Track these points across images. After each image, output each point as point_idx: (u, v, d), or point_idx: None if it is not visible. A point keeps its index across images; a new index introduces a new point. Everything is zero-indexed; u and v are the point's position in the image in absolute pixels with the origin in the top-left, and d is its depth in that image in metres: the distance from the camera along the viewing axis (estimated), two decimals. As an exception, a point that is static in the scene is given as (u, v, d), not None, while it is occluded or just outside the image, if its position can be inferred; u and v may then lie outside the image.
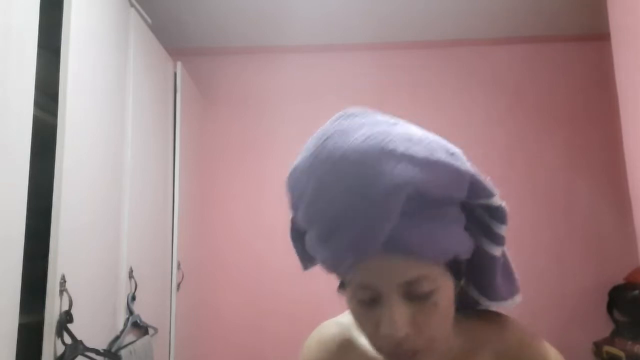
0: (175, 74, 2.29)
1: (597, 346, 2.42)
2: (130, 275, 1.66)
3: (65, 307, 1.23)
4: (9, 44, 1.10)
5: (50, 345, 1.19)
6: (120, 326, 1.58)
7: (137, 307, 1.68)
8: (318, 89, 2.81)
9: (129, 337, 1.61)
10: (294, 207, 0.60)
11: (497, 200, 0.60)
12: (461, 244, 0.57)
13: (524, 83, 2.79)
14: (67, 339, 1.23)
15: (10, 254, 1.06)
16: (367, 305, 0.56)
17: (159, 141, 2.06)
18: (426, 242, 0.53)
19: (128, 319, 1.61)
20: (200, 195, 2.59)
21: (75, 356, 1.25)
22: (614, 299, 2.48)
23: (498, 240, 0.62)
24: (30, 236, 1.12)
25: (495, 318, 0.67)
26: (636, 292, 2.31)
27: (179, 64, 2.30)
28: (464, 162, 0.57)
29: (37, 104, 1.20)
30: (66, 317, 1.22)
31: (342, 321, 0.72)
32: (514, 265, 0.68)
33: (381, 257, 0.53)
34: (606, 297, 2.51)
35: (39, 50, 1.19)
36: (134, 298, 1.65)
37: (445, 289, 0.56)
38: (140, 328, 1.71)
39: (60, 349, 1.21)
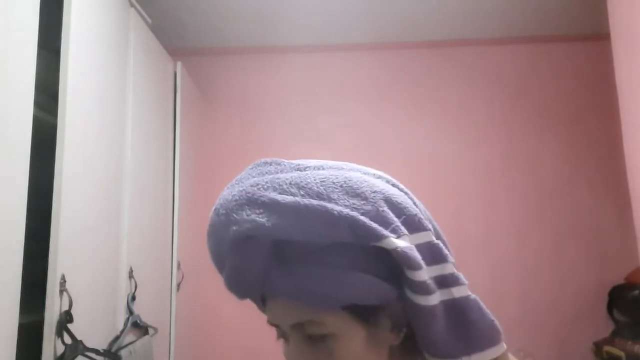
0: (175, 74, 2.29)
1: (597, 346, 2.42)
2: (130, 275, 1.66)
3: (65, 307, 1.23)
4: (9, 44, 1.10)
5: (50, 345, 1.19)
6: (120, 326, 1.58)
7: (137, 307, 1.68)
8: (318, 89, 2.81)
9: (129, 337, 1.61)
10: None
11: (390, 244, 0.52)
12: (359, 290, 0.53)
13: (524, 83, 2.79)
14: (67, 339, 1.23)
15: (10, 254, 1.06)
16: (284, 342, 0.60)
17: (159, 141, 2.06)
18: (302, 288, 0.53)
19: (128, 319, 1.61)
20: (200, 195, 2.59)
21: (75, 356, 1.25)
22: (614, 299, 2.48)
23: (416, 287, 0.54)
24: (30, 236, 1.12)
25: None
26: (636, 292, 2.31)
27: (179, 64, 2.30)
28: (356, 204, 0.53)
29: (37, 104, 1.20)
30: (66, 317, 1.22)
31: None
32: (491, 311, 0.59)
33: (276, 300, 0.57)
34: (606, 297, 2.51)
35: (39, 50, 1.19)
36: (134, 298, 1.65)
37: (346, 337, 0.55)
38: (140, 328, 1.71)
39: (60, 349, 1.21)
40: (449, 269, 0.56)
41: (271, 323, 0.60)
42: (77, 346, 1.25)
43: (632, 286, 2.36)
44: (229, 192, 0.57)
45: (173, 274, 2.09)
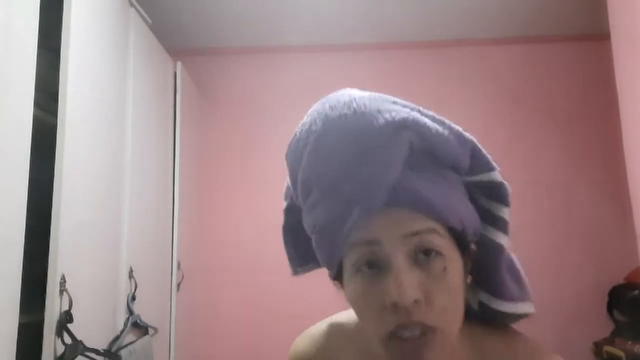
0: (175, 74, 2.29)
1: (597, 346, 2.42)
2: (130, 275, 1.66)
3: (65, 307, 1.23)
4: (9, 44, 1.10)
5: (50, 345, 1.19)
6: (120, 326, 1.58)
7: (137, 307, 1.68)
8: (318, 89, 2.78)
9: (129, 337, 1.61)
10: (293, 174, 0.57)
11: (498, 177, 0.58)
12: (469, 213, 0.54)
13: (524, 83, 2.79)
14: (67, 339, 1.23)
15: (10, 254, 1.06)
16: (369, 280, 0.51)
17: (159, 141, 2.06)
18: (434, 195, 0.50)
19: (128, 319, 1.61)
20: (200, 195, 2.59)
21: (75, 356, 1.25)
22: (614, 299, 2.48)
23: (500, 224, 0.57)
24: (30, 236, 1.12)
25: (506, 331, 0.62)
26: (636, 292, 2.31)
27: (179, 64, 2.30)
28: None
29: (37, 104, 1.20)
30: (66, 317, 1.22)
31: (335, 320, 0.68)
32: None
33: (386, 210, 0.49)
34: (606, 297, 2.51)
35: (39, 50, 1.19)
36: (134, 298, 1.65)
37: (455, 260, 0.52)
38: (140, 328, 1.71)
39: (60, 349, 1.21)
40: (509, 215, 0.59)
41: (367, 241, 0.50)
42: (77, 346, 1.25)
43: (632, 286, 2.36)
44: (340, 100, 0.53)
45: (173, 274, 2.09)
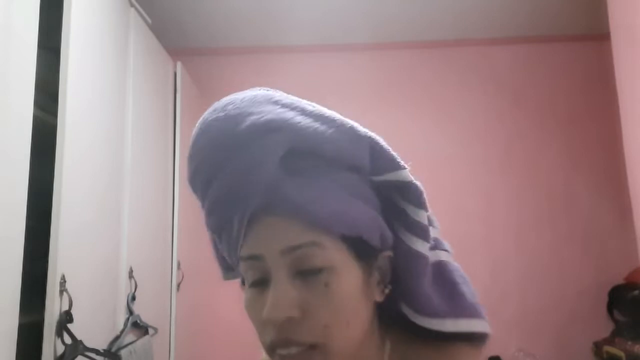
0: (175, 74, 2.29)
1: (597, 346, 2.42)
2: (130, 275, 1.66)
3: (65, 307, 1.23)
4: (9, 44, 1.10)
5: (50, 345, 1.19)
6: (120, 326, 1.58)
7: (137, 307, 1.67)
8: (318, 89, 2.81)
9: (129, 337, 1.61)
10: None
11: (406, 176, 0.51)
12: (365, 222, 0.48)
13: (524, 83, 2.79)
14: (67, 339, 1.23)
15: (10, 254, 1.06)
16: (255, 294, 0.49)
17: (159, 141, 2.06)
18: (315, 202, 0.46)
19: (128, 319, 1.61)
20: (200, 195, 2.58)
21: (75, 356, 1.25)
22: (614, 299, 2.48)
23: (417, 229, 0.51)
24: (30, 236, 1.12)
25: (445, 343, 0.53)
26: (636, 292, 2.31)
27: (179, 64, 2.30)
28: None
29: (37, 104, 1.20)
30: (66, 317, 1.22)
31: None
32: (473, 281, 0.57)
33: (266, 221, 0.47)
34: (606, 297, 2.51)
35: (39, 50, 1.19)
36: (134, 298, 1.65)
37: (344, 273, 0.47)
38: (140, 328, 1.71)
39: (60, 349, 1.21)
40: (435, 232, 0.56)
41: (249, 256, 0.48)
42: (77, 346, 1.25)
43: (632, 286, 2.36)
44: (229, 98, 0.50)
45: (173, 274, 2.09)
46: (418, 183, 0.52)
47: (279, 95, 0.51)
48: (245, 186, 0.46)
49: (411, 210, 0.51)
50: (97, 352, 1.33)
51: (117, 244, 1.61)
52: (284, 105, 0.49)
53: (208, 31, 2.65)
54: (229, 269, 0.59)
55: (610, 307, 2.51)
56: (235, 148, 0.46)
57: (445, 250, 0.57)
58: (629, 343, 2.22)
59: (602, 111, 2.63)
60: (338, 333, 0.47)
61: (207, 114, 0.50)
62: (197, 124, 0.50)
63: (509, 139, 2.73)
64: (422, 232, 0.51)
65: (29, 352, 1.18)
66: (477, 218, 2.65)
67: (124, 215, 1.66)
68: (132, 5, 1.82)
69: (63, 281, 1.22)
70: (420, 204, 0.51)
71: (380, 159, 0.50)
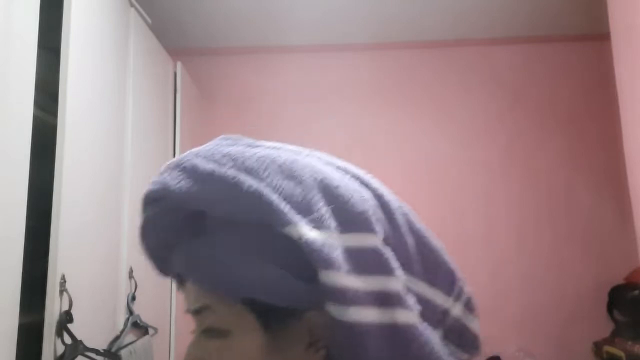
0: (175, 74, 2.29)
1: (597, 346, 2.42)
2: (130, 275, 1.66)
3: (65, 307, 1.23)
4: (9, 44, 1.10)
5: (50, 345, 1.19)
6: (120, 326, 1.58)
7: (137, 307, 1.67)
8: (318, 89, 2.81)
9: (129, 337, 1.61)
10: None
11: (295, 232, 0.44)
12: (262, 283, 0.45)
13: (524, 83, 2.79)
14: (67, 339, 1.23)
15: (10, 254, 1.06)
16: None
17: (159, 141, 2.06)
18: (200, 267, 0.48)
19: (128, 319, 1.61)
20: (200, 195, 2.58)
21: (75, 356, 1.25)
22: (614, 299, 2.48)
23: (332, 294, 0.43)
24: (30, 236, 1.12)
25: None
26: (636, 292, 2.31)
27: (179, 64, 2.30)
28: (285, 185, 0.46)
29: (37, 104, 1.20)
30: (66, 317, 1.22)
31: None
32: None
33: (187, 281, 0.53)
34: (606, 297, 2.51)
35: (39, 50, 1.19)
36: (134, 298, 1.65)
37: (239, 337, 0.47)
38: (140, 328, 1.71)
39: (60, 349, 1.21)
40: (393, 285, 0.45)
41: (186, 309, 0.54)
42: (77, 346, 1.25)
43: (632, 286, 2.36)
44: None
45: (173, 274, 2.09)
46: (313, 238, 0.43)
47: (189, 156, 0.51)
48: (151, 248, 0.59)
49: (319, 271, 0.43)
50: (97, 352, 1.33)
51: (117, 244, 1.61)
52: (181, 170, 0.49)
53: (208, 31, 2.65)
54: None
55: (610, 307, 2.50)
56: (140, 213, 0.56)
57: (408, 309, 0.45)
58: (629, 343, 2.22)
59: (602, 111, 2.63)
60: None
61: None
62: None
63: (509, 139, 2.73)
64: (341, 298, 0.43)
65: (29, 352, 1.18)
66: (477, 218, 2.65)
67: (124, 215, 1.66)
68: (132, 5, 1.82)
69: (63, 281, 1.22)
70: (322, 264, 0.43)
71: (267, 214, 0.45)
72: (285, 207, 0.44)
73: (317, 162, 0.51)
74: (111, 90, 1.61)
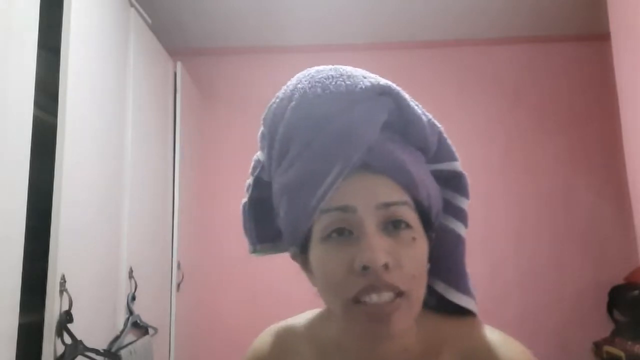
0: (175, 74, 2.29)
1: (597, 346, 2.42)
2: (130, 275, 1.66)
3: (65, 307, 1.23)
4: (9, 44, 1.10)
5: (50, 345, 1.19)
6: (120, 326, 1.58)
7: (137, 307, 1.68)
8: (318, 89, 2.81)
9: (129, 337, 1.61)
10: (270, 138, 0.57)
11: (460, 167, 0.59)
12: (436, 191, 0.56)
13: (524, 83, 2.79)
14: (67, 339, 1.23)
15: (10, 254, 1.06)
16: (337, 245, 0.50)
17: (159, 141, 2.06)
18: (409, 165, 0.52)
19: (128, 319, 1.61)
20: (200, 195, 2.59)
21: (75, 356, 1.25)
22: (614, 299, 2.48)
23: (460, 215, 0.60)
24: (30, 236, 1.12)
25: (463, 317, 0.58)
26: (636, 292, 2.31)
27: (179, 64, 2.30)
28: None
29: (37, 104, 1.20)
30: (66, 317, 1.22)
31: (291, 322, 0.70)
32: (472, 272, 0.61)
33: (362, 176, 0.51)
34: (606, 297, 2.51)
35: (39, 50, 1.19)
36: (134, 298, 1.66)
37: (421, 233, 0.53)
38: (140, 328, 1.71)
39: (60, 349, 1.21)
40: (466, 205, 0.61)
41: (341, 207, 0.50)
42: (77, 346, 1.25)
43: (632, 286, 2.36)
44: (324, 68, 0.57)
45: (173, 274, 2.09)
46: (464, 173, 0.59)
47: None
48: (352, 140, 0.50)
49: (457, 198, 0.59)
50: (97, 352, 1.33)
51: (117, 244, 1.61)
52: (381, 81, 0.56)
53: (208, 31, 2.65)
54: (262, 240, 0.64)
55: (610, 307, 2.51)
56: (353, 103, 0.51)
57: (464, 224, 0.61)
58: (629, 343, 2.22)
59: (602, 111, 2.63)
60: (421, 284, 0.52)
61: (312, 72, 0.57)
62: (298, 81, 0.57)
63: (509, 138, 2.73)
64: (464, 218, 0.59)
65: (29, 352, 1.18)
66: (476, 218, 2.63)
67: (124, 215, 1.66)
68: (132, 5, 1.82)
69: (63, 281, 1.22)
70: (467, 194, 0.59)
71: (443, 148, 0.57)
72: (452, 146, 0.58)
73: None
74: (111, 90, 1.61)
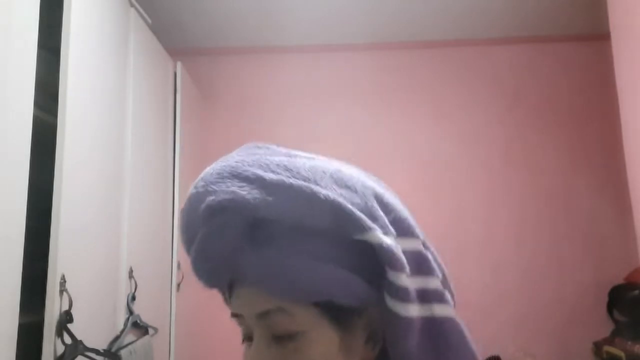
0: (175, 74, 2.29)
1: (597, 346, 2.42)
2: (130, 275, 1.66)
3: (65, 307, 1.23)
4: (9, 44, 1.10)
5: (50, 345, 1.19)
6: (120, 326, 1.58)
7: (137, 307, 1.68)
8: (318, 89, 2.81)
9: (129, 337, 1.61)
10: None
11: (375, 238, 0.48)
12: (334, 285, 0.49)
13: (524, 83, 2.79)
14: (67, 339, 1.23)
15: (10, 254, 1.06)
16: (246, 347, 0.54)
17: (159, 141, 2.06)
18: (273, 274, 0.48)
19: (128, 319, 1.61)
20: (200, 195, 2.58)
21: (75, 356, 1.25)
22: (614, 299, 2.48)
23: (396, 292, 0.49)
24: (30, 236, 1.12)
25: None
26: (636, 292, 2.31)
27: (179, 64, 2.30)
28: (345, 194, 0.50)
29: (37, 104, 1.20)
30: (66, 317, 1.22)
31: None
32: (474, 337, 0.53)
33: (240, 288, 0.52)
34: (606, 297, 2.51)
35: (39, 50, 1.19)
36: (134, 298, 1.65)
37: (316, 338, 0.49)
38: (140, 328, 1.71)
39: (60, 349, 1.21)
40: (433, 283, 0.51)
41: (235, 315, 0.55)
42: (77, 346, 1.25)
43: (632, 286, 2.36)
44: (211, 167, 0.53)
45: (173, 274, 2.09)
46: (389, 244, 0.48)
47: (243, 166, 0.52)
48: (213, 259, 0.51)
49: (388, 272, 0.49)
50: (97, 352, 1.33)
51: (117, 244, 1.61)
52: (244, 179, 0.50)
53: (208, 31, 2.65)
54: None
55: (610, 307, 2.51)
56: (196, 228, 0.51)
57: (445, 303, 0.52)
58: (629, 343, 2.22)
59: (602, 111, 2.63)
60: None
61: (194, 182, 0.54)
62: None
63: (509, 139, 2.73)
64: (401, 295, 0.49)
65: (29, 352, 1.18)
66: (477, 218, 2.65)
67: (124, 215, 1.66)
68: (132, 5, 1.82)
69: (63, 281, 1.22)
70: (395, 266, 0.48)
71: (346, 222, 0.48)
72: (360, 214, 0.48)
73: (354, 171, 0.55)
74: (111, 90, 1.61)
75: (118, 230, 1.62)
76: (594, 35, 2.68)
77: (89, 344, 1.30)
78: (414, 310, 0.49)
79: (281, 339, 0.50)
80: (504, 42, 2.80)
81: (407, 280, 0.49)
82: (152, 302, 1.86)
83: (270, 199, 0.48)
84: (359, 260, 0.50)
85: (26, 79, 1.15)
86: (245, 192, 0.49)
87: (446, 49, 2.82)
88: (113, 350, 1.47)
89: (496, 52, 2.81)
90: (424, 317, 0.50)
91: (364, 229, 0.48)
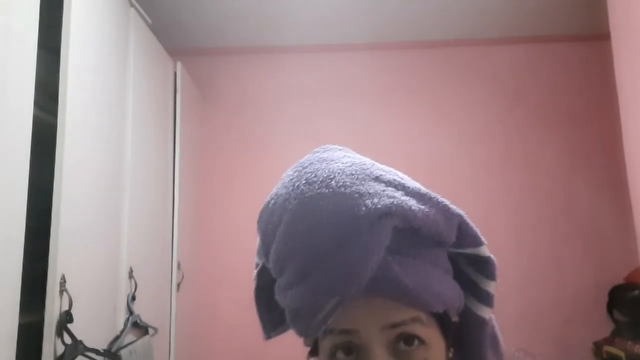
0: (175, 74, 2.29)
1: (597, 346, 2.42)
2: (130, 275, 1.66)
3: (65, 307, 1.23)
4: (9, 44, 1.10)
5: (50, 345, 1.19)
6: (120, 326, 1.58)
7: (137, 307, 1.68)
8: (318, 89, 2.81)
9: (129, 337, 1.61)
10: (265, 247, 0.52)
11: (486, 251, 0.53)
12: (453, 294, 0.51)
13: (524, 83, 2.79)
14: (67, 339, 1.23)
15: (10, 254, 1.06)
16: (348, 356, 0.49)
17: (159, 141, 2.06)
18: (416, 283, 0.47)
19: (128, 319, 1.61)
20: (200, 195, 2.59)
21: (75, 356, 1.25)
22: (614, 299, 2.48)
23: (485, 298, 0.54)
24: (30, 236, 1.12)
25: None
26: (636, 292, 2.31)
27: (179, 64, 2.30)
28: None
29: (37, 104, 1.20)
30: (66, 317, 1.22)
31: None
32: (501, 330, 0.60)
33: (365, 299, 0.47)
34: (606, 297, 2.51)
35: (39, 50, 1.19)
36: (134, 298, 1.65)
37: (435, 346, 0.49)
38: (140, 328, 1.71)
39: (60, 349, 1.21)
40: (494, 288, 0.56)
41: (343, 330, 0.48)
42: (77, 346, 1.25)
43: (632, 286, 2.36)
44: (320, 168, 0.49)
45: (173, 274, 2.09)
46: (493, 258, 0.54)
47: (369, 164, 0.51)
48: (355, 271, 0.45)
49: (484, 281, 0.54)
50: (97, 352, 1.33)
51: (117, 244, 1.61)
52: (387, 184, 0.49)
53: (208, 31, 2.65)
54: (274, 328, 0.59)
55: (610, 307, 2.51)
56: (353, 233, 0.45)
57: (489, 306, 0.56)
58: (629, 343, 2.22)
59: (602, 111, 2.63)
60: None
61: (302, 186, 0.49)
62: (288, 193, 0.49)
63: (508, 138, 2.73)
64: (489, 300, 0.54)
65: (29, 352, 1.18)
66: (477, 218, 2.61)
67: (124, 215, 1.66)
68: (132, 5, 1.82)
69: (63, 281, 1.22)
70: (494, 277, 0.54)
71: (466, 236, 0.52)
72: (477, 230, 0.52)
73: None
74: (111, 90, 1.61)
75: (118, 230, 1.62)
76: (593, 35, 2.68)
77: (89, 344, 1.30)
78: (489, 313, 0.55)
79: (409, 348, 0.47)
80: (504, 42, 2.80)
81: (494, 289, 0.54)
82: (152, 302, 1.86)
83: (421, 206, 0.48)
84: (452, 269, 0.54)
85: (26, 79, 1.15)
86: (399, 196, 0.47)
87: (446, 49, 2.82)
88: (113, 350, 1.47)
89: (496, 52, 2.81)
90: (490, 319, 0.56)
91: (480, 242, 0.52)
